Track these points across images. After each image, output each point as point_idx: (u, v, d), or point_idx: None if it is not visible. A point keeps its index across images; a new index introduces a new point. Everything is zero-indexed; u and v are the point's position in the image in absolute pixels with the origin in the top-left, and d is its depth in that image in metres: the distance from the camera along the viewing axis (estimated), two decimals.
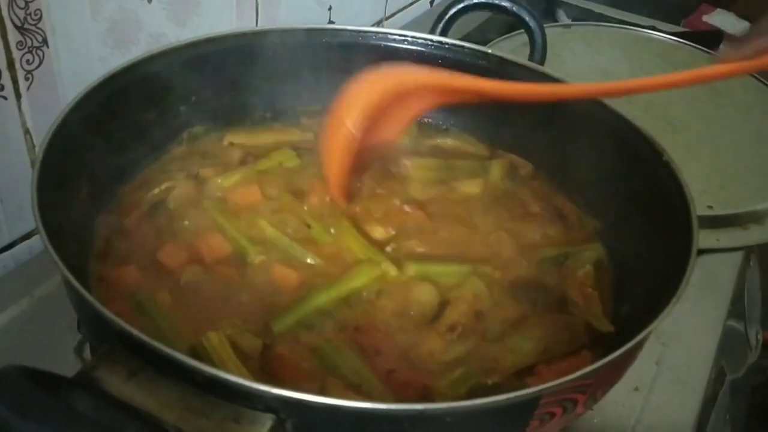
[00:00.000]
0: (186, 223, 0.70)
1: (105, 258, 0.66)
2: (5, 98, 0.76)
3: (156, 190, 0.73)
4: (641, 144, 0.72)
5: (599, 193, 0.77)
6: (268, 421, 0.44)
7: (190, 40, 0.76)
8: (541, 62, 0.89)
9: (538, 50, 0.88)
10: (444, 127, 0.90)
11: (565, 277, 0.70)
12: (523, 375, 0.59)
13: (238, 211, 0.72)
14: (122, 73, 0.70)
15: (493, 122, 0.87)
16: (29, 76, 0.78)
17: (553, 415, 0.49)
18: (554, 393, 0.46)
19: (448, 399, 0.56)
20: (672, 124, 1.04)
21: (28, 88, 0.78)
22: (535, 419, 0.48)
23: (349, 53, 0.84)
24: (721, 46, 0.61)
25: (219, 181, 0.74)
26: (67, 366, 0.50)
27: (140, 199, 0.73)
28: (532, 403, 0.46)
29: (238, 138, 0.83)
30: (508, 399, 0.44)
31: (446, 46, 0.84)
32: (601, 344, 0.63)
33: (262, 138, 0.84)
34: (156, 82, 0.74)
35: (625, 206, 0.73)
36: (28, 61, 0.77)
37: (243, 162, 0.79)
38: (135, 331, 0.44)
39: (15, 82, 0.77)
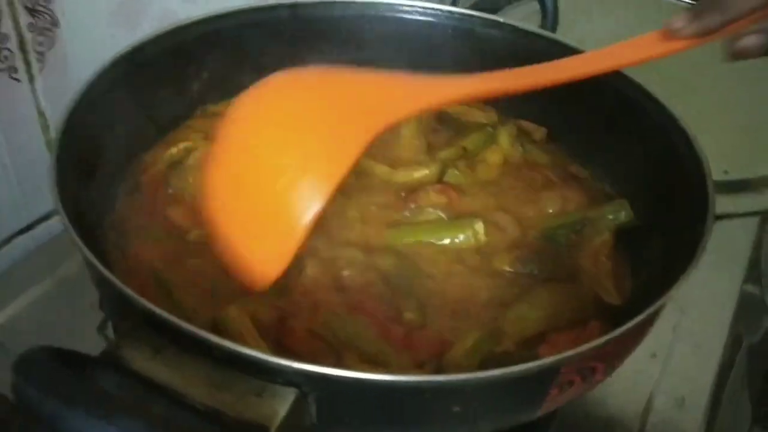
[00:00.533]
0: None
1: (123, 232, 0.66)
2: (19, 80, 0.77)
3: (174, 150, 0.73)
4: (655, 110, 0.71)
5: (613, 159, 0.76)
6: (290, 395, 0.44)
7: (200, 17, 0.76)
8: (553, 29, 0.88)
9: (550, 16, 0.87)
10: None
11: (580, 246, 0.69)
12: (532, 344, 0.59)
13: None
14: (133, 52, 0.70)
15: None
16: (41, 57, 0.78)
17: (572, 383, 0.49)
18: (574, 361, 0.46)
19: (463, 369, 0.56)
20: (686, 87, 1.03)
21: (41, 70, 0.78)
22: (554, 387, 0.48)
23: (360, 25, 0.84)
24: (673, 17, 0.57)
25: None
26: (92, 345, 0.51)
27: (157, 160, 0.73)
28: (551, 371, 0.46)
29: None
30: (528, 369, 0.44)
31: (456, 15, 0.83)
32: (611, 314, 0.63)
33: None
34: (167, 60, 0.74)
35: (640, 173, 0.73)
36: (40, 42, 0.77)
37: None
38: (157, 309, 0.45)
39: (28, 64, 0.77)
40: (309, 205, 0.50)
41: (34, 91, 0.79)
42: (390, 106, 0.55)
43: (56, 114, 0.71)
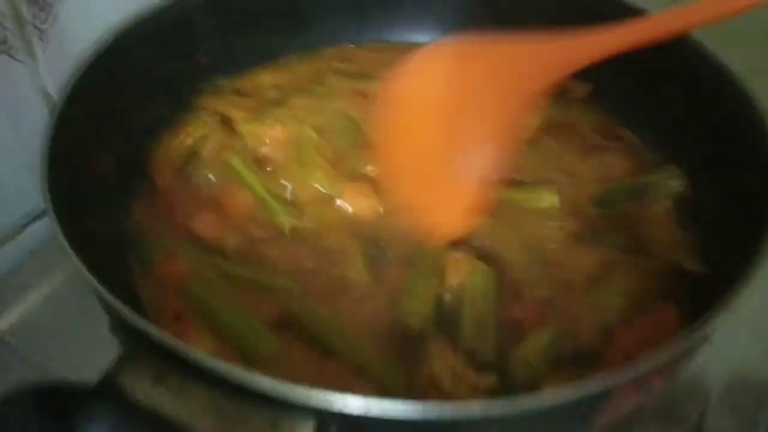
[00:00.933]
0: (218, 180, 0.64)
1: (144, 244, 0.60)
2: (21, 61, 0.72)
3: (188, 140, 0.67)
4: (711, 67, 0.64)
5: (664, 121, 0.69)
6: (308, 425, 0.40)
7: None
8: None
9: None
10: None
11: (642, 217, 0.63)
12: (603, 338, 0.54)
13: (273, 162, 0.66)
14: (132, 26, 0.65)
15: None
16: (43, 35, 0.73)
17: (628, 397, 0.44)
18: (627, 382, 0.41)
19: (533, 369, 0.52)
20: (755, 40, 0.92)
21: (44, 49, 0.74)
22: (608, 406, 0.43)
23: None
24: None
25: (250, 127, 0.68)
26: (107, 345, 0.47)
27: (171, 153, 0.67)
28: (603, 394, 0.41)
29: (273, 75, 0.77)
30: (572, 394, 0.39)
31: None
32: (690, 289, 0.57)
33: (298, 70, 0.77)
34: (171, 31, 0.69)
35: (695, 138, 0.66)
36: (40, 20, 0.72)
37: (279, 102, 0.72)
38: (156, 332, 0.41)
39: (28, 42, 0.72)
40: (480, 176, 0.52)
41: (36, 70, 0.74)
42: (549, 66, 0.55)
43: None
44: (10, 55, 0.71)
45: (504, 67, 0.55)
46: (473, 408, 0.38)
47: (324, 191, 0.63)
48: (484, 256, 0.58)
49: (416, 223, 0.56)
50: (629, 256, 0.59)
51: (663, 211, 0.63)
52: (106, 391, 0.40)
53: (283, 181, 0.64)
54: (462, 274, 0.56)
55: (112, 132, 0.62)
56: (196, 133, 0.67)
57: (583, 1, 0.74)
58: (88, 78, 0.60)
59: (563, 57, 0.55)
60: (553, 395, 0.39)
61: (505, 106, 0.54)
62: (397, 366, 0.52)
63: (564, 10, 0.74)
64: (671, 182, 0.64)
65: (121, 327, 0.44)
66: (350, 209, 0.61)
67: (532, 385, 0.50)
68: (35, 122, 0.75)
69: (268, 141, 0.66)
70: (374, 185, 0.62)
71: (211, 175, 0.65)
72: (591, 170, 0.68)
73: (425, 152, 0.55)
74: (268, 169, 0.65)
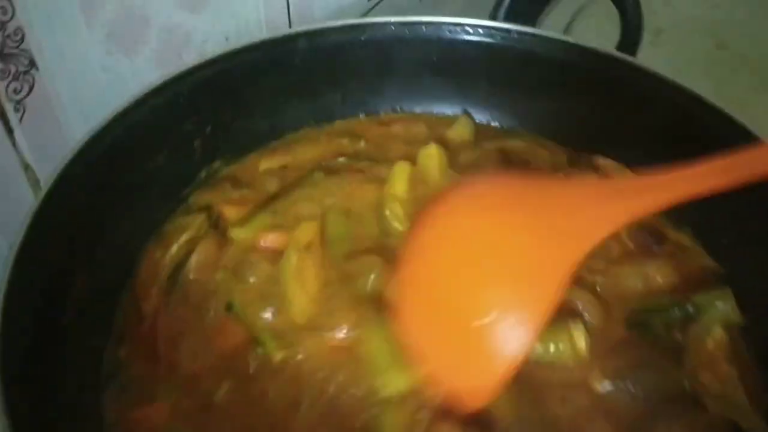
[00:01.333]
0: (208, 303, 0.55)
1: (124, 386, 0.52)
2: None
3: (174, 247, 0.59)
4: None
5: (731, 239, 0.60)
6: None
7: (198, 63, 0.63)
8: (634, 48, 0.70)
9: (631, 32, 0.69)
10: (508, 128, 0.74)
11: (689, 348, 0.53)
12: None
13: (265, 274, 0.57)
14: (110, 126, 0.57)
15: (566, 119, 0.70)
16: (19, 106, 0.67)
17: None
18: None
19: None
20: None
21: (20, 120, 0.67)
22: None
23: (393, 51, 0.70)
24: None
25: (242, 232, 0.60)
26: None
27: (157, 266, 0.58)
28: None
29: (274, 160, 0.69)
30: None
31: (514, 35, 0.67)
32: None
33: (301, 155, 0.69)
34: (159, 119, 0.61)
35: (749, 243, 0.58)
36: (15, 90, 0.66)
37: (277, 196, 0.63)
38: None
39: (3, 115, 0.65)
40: (513, 349, 0.46)
41: (14, 144, 0.68)
42: (590, 222, 0.48)
43: (45, 166, 0.62)
44: None
45: (552, 214, 0.48)
46: None
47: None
48: (473, 420, 0.49)
49: (438, 391, 0.49)
50: (671, 407, 0.50)
51: (714, 344, 0.53)
52: None
53: (270, 302, 0.56)
54: None
55: (92, 241, 0.55)
56: (185, 239, 0.59)
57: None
58: (70, 174, 0.53)
59: (632, 200, 0.47)
60: None
61: (551, 262, 0.46)
62: None
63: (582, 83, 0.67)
64: (722, 306, 0.54)
65: None
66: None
67: None
68: (17, 198, 0.70)
69: (260, 248, 0.58)
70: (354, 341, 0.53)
71: (200, 296, 0.56)
72: (626, 280, 0.58)
73: (454, 314, 0.48)
74: (256, 282, 0.57)
